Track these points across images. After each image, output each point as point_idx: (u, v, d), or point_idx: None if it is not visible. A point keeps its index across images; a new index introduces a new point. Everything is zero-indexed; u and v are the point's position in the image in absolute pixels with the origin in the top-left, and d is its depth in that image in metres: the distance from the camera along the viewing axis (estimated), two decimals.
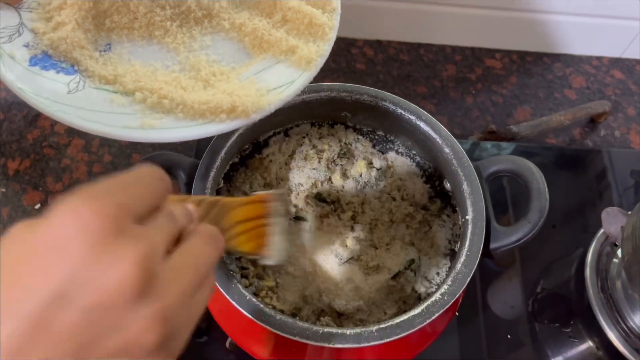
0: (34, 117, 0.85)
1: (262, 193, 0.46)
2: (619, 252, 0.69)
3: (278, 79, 0.49)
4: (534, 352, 0.66)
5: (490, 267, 0.72)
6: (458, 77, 0.95)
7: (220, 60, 0.51)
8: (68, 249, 0.24)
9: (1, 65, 0.45)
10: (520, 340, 0.66)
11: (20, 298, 0.23)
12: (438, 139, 0.54)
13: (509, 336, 0.66)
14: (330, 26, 0.51)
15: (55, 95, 0.45)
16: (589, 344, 0.67)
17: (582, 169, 0.82)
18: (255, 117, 0.46)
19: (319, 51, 0.49)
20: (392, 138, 0.61)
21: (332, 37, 0.51)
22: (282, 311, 0.50)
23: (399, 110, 0.55)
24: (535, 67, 0.97)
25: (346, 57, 0.96)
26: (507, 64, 0.97)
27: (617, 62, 0.98)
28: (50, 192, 0.79)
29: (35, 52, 0.47)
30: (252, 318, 0.44)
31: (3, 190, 0.79)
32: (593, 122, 0.90)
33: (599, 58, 0.98)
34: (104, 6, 0.50)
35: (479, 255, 0.48)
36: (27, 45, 0.47)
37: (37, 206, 0.78)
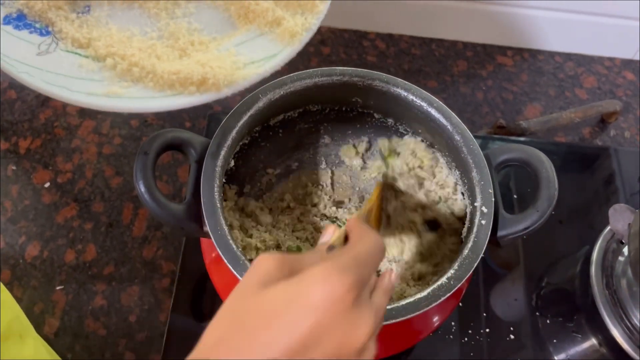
0: (46, 97, 0.86)
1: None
2: (625, 249, 0.69)
3: (259, 52, 0.46)
4: (536, 346, 0.66)
5: (494, 268, 0.72)
6: (469, 72, 0.96)
7: (202, 29, 0.48)
8: (322, 307, 0.29)
9: None
10: (522, 334, 0.66)
11: (283, 333, 0.29)
12: (449, 126, 0.54)
13: (511, 328, 0.66)
14: None
15: (23, 57, 0.44)
16: (591, 340, 0.67)
17: (591, 167, 0.82)
18: (227, 91, 0.43)
19: (306, 24, 0.46)
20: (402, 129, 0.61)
21: (322, 10, 0.47)
22: None
23: (411, 97, 0.55)
24: (546, 66, 0.97)
25: (357, 50, 0.96)
26: (519, 62, 0.97)
27: (629, 64, 0.98)
28: (59, 172, 0.80)
29: (10, 11, 0.45)
30: None
31: (13, 168, 0.80)
32: (603, 122, 0.90)
33: (611, 59, 0.98)
34: None
35: (487, 242, 0.48)
36: (1, 3, 0.46)
37: (47, 184, 0.78)
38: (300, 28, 0.46)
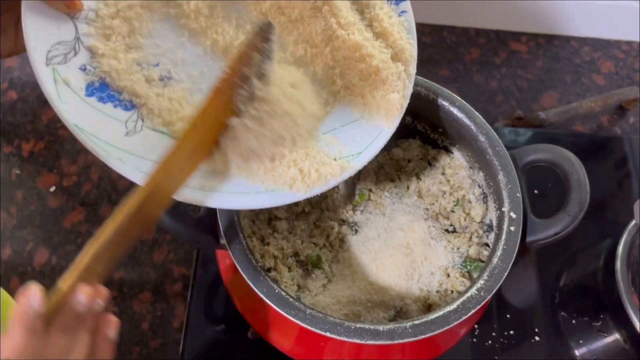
0: None
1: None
2: None
3: (348, 146, 0.45)
4: (561, 347, 0.64)
5: None
6: (482, 60, 0.92)
7: None
8: None
9: (57, 93, 0.39)
10: (547, 335, 0.64)
11: None
12: (472, 127, 0.52)
13: (536, 329, 0.64)
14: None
15: (113, 138, 0.40)
16: (616, 336, 0.66)
17: (611, 158, 0.79)
18: (317, 190, 0.43)
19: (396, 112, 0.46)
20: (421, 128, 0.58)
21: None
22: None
23: (432, 96, 0.53)
24: (562, 51, 0.94)
25: None
26: (533, 48, 0.94)
27: None
28: (65, 175, 0.77)
29: (93, 79, 0.41)
30: (281, 312, 0.43)
31: (17, 172, 0.77)
32: (622, 109, 0.87)
33: (628, 42, 0.95)
34: None
35: (516, 249, 0.46)
36: (83, 69, 0.41)
37: (52, 189, 0.76)
38: (397, 110, 0.46)
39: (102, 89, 0.41)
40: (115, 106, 0.41)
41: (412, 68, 0.47)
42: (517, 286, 0.68)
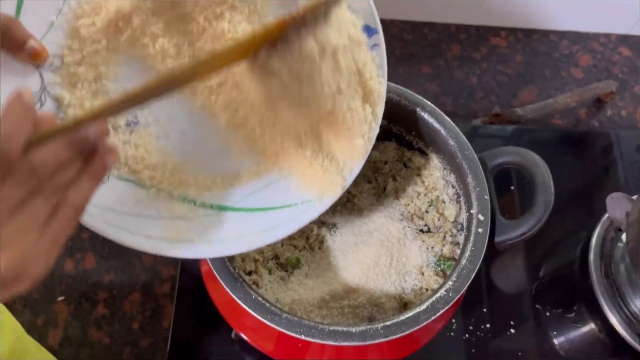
0: None
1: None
2: (623, 236, 0.69)
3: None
4: (536, 338, 0.66)
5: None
6: (463, 56, 0.94)
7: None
8: None
9: None
10: (523, 328, 0.66)
11: None
12: (442, 131, 0.53)
13: (512, 322, 0.66)
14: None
15: None
16: (591, 326, 0.68)
17: (588, 152, 0.81)
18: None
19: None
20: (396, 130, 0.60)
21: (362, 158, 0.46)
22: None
23: (403, 102, 0.55)
24: (541, 46, 0.95)
25: None
26: (513, 43, 0.95)
27: (625, 39, 0.96)
28: None
29: None
30: (257, 317, 0.45)
31: None
32: (599, 102, 0.89)
33: (606, 35, 0.96)
34: None
35: (484, 250, 0.48)
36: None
37: None
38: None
39: None
40: None
41: (380, 108, 0.47)
42: (501, 280, 0.70)
